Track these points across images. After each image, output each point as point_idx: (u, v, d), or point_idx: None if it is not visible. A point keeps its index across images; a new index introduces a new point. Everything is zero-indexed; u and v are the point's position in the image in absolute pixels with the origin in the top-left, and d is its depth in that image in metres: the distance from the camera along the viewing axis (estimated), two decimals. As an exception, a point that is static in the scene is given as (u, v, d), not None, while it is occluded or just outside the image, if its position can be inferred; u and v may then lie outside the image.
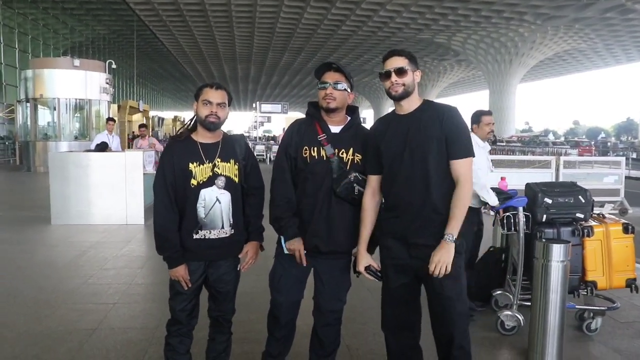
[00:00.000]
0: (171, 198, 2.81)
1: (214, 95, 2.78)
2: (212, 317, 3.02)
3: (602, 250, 4.06)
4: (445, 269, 2.45)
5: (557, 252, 3.53)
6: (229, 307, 3.01)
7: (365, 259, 2.76)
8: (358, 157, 2.78)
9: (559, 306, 3.55)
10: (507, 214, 4.20)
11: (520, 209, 4.15)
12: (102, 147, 10.05)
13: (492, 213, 4.69)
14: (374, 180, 2.74)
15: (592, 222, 4.16)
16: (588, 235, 4.03)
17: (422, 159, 2.49)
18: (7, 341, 3.85)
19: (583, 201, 4.10)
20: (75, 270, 5.85)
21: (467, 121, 4.80)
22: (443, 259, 2.44)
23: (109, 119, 11.83)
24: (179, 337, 2.90)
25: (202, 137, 2.86)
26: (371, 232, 2.77)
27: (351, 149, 2.78)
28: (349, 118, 2.89)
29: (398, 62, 2.60)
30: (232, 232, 2.87)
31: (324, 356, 3.03)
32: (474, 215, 4.50)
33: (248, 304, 4.35)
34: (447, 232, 2.47)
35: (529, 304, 3.83)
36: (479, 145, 4.50)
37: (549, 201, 4.07)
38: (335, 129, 2.81)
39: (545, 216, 4.09)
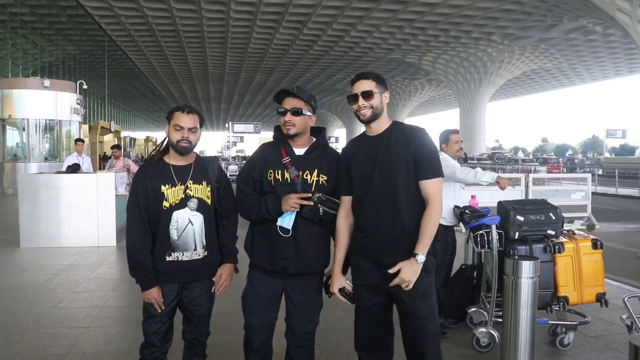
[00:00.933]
0: (144, 220, 2.81)
1: (185, 120, 2.80)
2: (186, 339, 3.01)
3: (572, 266, 4.16)
4: (408, 286, 2.49)
5: (527, 268, 3.60)
6: (204, 329, 3.01)
7: (339, 281, 2.79)
8: (323, 178, 2.80)
9: (530, 322, 3.61)
10: (481, 231, 4.28)
11: (494, 226, 4.23)
12: (74, 169, 9.92)
13: (463, 231, 4.78)
14: (346, 202, 2.78)
15: (562, 239, 4.26)
16: (559, 252, 4.13)
17: (390, 179, 2.54)
18: (-25, 369, 3.76)
19: (554, 218, 4.21)
20: (46, 294, 5.74)
21: (437, 141, 4.94)
22: (408, 278, 2.48)
23: (78, 140, 11.68)
24: (152, 360, 2.88)
25: (174, 159, 2.88)
26: (344, 253, 2.80)
27: (315, 170, 2.80)
28: (314, 139, 2.92)
29: (365, 85, 2.66)
30: (206, 254, 2.88)
31: None
32: (448, 234, 4.58)
33: (223, 325, 4.33)
34: (416, 251, 2.51)
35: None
36: (447, 158, 4.68)
37: (521, 219, 4.17)
38: (299, 151, 2.84)
39: (517, 233, 4.17)
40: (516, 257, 3.78)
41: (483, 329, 4.18)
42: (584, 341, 4.41)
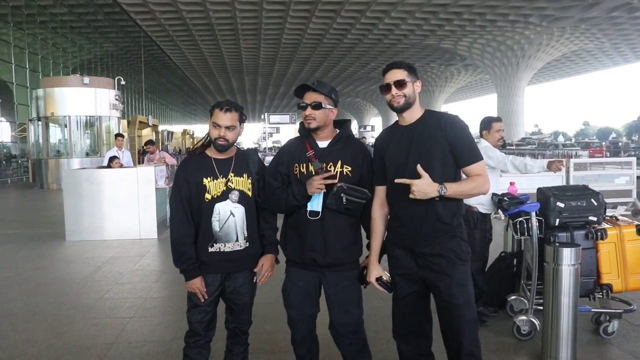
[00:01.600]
0: (187, 212, 2.88)
1: (223, 119, 2.84)
2: (229, 328, 3.07)
3: (616, 252, 4.06)
4: (412, 193, 2.49)
5: (568, 255, 3.56)
6: (246, 318, 3.06)
7: (376, 270, 2.80)
8: (347, 168, 2.80)
9: (571, 310, 3.57)
10: (520, 218, 4.21)
11: (533, 213, 4.17)
12: (110, 160, 10.19)
13: (503, 217, 4.72)
14: (381, 191, 2.79)
15: (605, 225, 4.17)
16: (602, 238, 4.04)
17: (426, 168, 2.51)
18: (28, 357, 3.92)
19: (595, 204, 4.12)
20: (92, 285, 5.94)
21: (475, 127, 4.88)
22: (420, 188, 2.48)
23: (118, 135, 11.97)
24: (196, 348, 2.95)
25: (215, 153, 2.93)
26: (381, 243, 2.81)
27: (339, 161, 2.80)
28: (337, 131, 2.93)
29: (397, 74, 2.65)
30: (247, 245, 2.93)
31: None
32: (485, 221, 4.54)
33: (264, 315, 4.40)
34: (446, 184, 2.50)
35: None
36: (491, 147, 4.63)
37: (562, 205, 4.09)
38: (323, 144, 2.86)
39: (558, 220, 4.10)
40: (557, 244, 3.73)
41: (524, 317, 4.13)
42: (630, 329, 4.31)
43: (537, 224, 4.16)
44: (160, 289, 5.82)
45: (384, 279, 2.79)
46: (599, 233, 4.04)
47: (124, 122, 25.71)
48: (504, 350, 3.94)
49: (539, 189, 4.38)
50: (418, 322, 2.77)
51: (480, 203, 4.42)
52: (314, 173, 2.77)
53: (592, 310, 4.21)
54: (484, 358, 2.70)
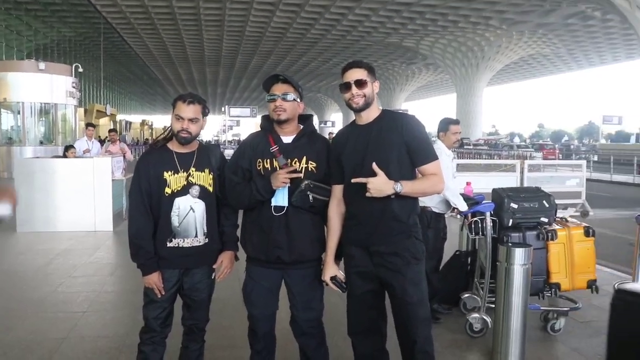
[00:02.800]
0: (146, 205, 2.84)
1: (186, 111, 2.80)
2: (185, 325, 3.04)
3: (565, 253, 4.22)
4: (369, 192, 2.51)
5: (520, 255, 3.67)
6: (203, 315, 3.04)
7: (331, 269, 2.81)
8: (312, 164, 2.79)
9: (522, 308, 3.69)
10: (475, 218, 4.33)
11: (488, 213, 4.28)
12: (65, 149, 9.99)
13: (459, 217, 4.83)
14: (338, 190, 2.79)
15: (555, 226, 4.32)
16: (552, 239, 4.19)
17: (382, 167, 2.54)
18: (-25, 352, 3.81)
19: (547, 206, 4.27)
20: (44, 278, 5.79)
21: (435, 126, 4.95)
22: (375, 185, 2.50)
23: (89, 125, 11.62)
24: (152, 345, 2.91)
25: (177, 146, 2.89)
26: (337, 242, 2.83)
27: (304, 157, 2.78)
28: (301, 127, 2.91)
29: (357, 74, 2.67)
30: (206, 241, 2.90)
31: None
32: (439, 221, 4.63)
33: (221, 310, 4.38)
34: (401, 182, 2.53)
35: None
36: (445, 153, 4.61)
37: (515, 206, 4.22)
38: (287, 139, 2.82)
39: (511, 221, 4.23)
40: (509, 244, 3.84)
41: (476, 315, 4.24)
42: (575, 327, 4.48)
43: (492, 224, 4.27)
44: (115, 283, 5.72)
45: (339, 277, 2.81)
46: (550, 234, 4.19)
47: (81, 110, 25.07)
48: (457, 347, 4.05)
49: (494, 190, 4.50)
50: (373, 320, 2.81)
51: (434, 203, 4.50)
52: (278, 169, 2.73)
53: (541, 308, 4.36)
54: (437, 354, 2.77)
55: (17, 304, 4.89)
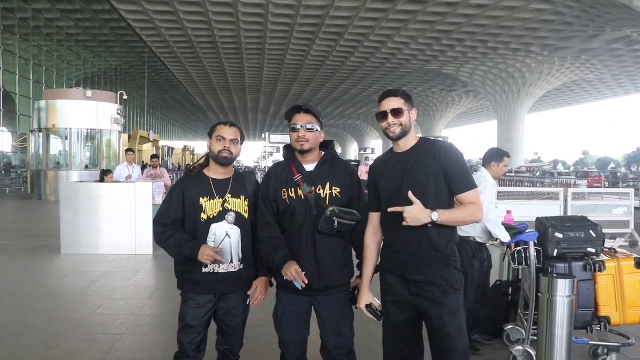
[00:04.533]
0: (169, 219, 2.90)
1: (228, 132, 2.89)
2: (220, 350, 3.05)
3: (614, 285, 4.04)
4: (405, 221, 2.47)
5: (563, 287, 3.54)
6: (238, 340, 3.04)
7: (367, 297, 2.78)
8: (336, 190, 2.82)
9: (565, 341, 3.54)
10: (518, 248, 4.20)
11: (531, 243, 4.15)
12: (103, 173, 10.25)
13: (500, 246, 4.71)
14: (375, 218, 2.79)
15: (603, 257, 4.15)
16: (600, 270, 4.02)
17: (419, 196, 2.51)
18: (16, 372, 3.88)
19: (594, 236, 4.11)
20: (85, 300, 5.89)
21: (474, 153, 4.87)
22: (412, 214, 2.46)
23: (129, 150, 11.92)
24: (186, 369, 2.92)
25: (214, 173, 2.95)
26: (374, 270, 2.80)
27: (328, 183, 2.82)
28: (322, 154, 2.94)
29: (394, 102, 2.66)
30: (241, 267, 2.92)
31: None
32: (482, 251, 4.52)
33: (256, 336, 4.36)
34: (438, 211, 2.49)
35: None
36: (490, 183, 4.54)
37: (560, 236, 4.08)
38: (309, 167, 2.87)
39: (556, 251, 4.09)
40: (553, 275, 3.71)
41: (520, 347, 4.08)
42: None
43: (535, 253, 4.14)
44: (153, 306, 5.77)
45: (374, 306, 2.77)
46: (597, 265, 4.03)
47: (125, 136, 25.79)
48: (498, 381, 3.90)
49: (537, 219, 4.38)
50: (409, 349, 2.74)
51: (478, 233, 4.41)
52: (303, 197, 2.78)
53: (590, 342, 4.18)
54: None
55: (57, 324, 4.98)
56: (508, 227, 4.40)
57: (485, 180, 4.50)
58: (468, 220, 2.68)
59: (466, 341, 2.65)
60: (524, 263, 4.18)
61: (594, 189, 20.69)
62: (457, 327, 2.58)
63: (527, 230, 4.29)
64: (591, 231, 4.12)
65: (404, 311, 2.67)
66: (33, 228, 12.30)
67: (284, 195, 2.84)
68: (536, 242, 4.18)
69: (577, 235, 4.10)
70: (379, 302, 2.78)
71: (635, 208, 11.33)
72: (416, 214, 2.47)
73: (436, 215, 2.48)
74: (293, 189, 2.83)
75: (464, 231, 4.41)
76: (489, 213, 4.29)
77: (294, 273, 2.66)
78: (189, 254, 2.79)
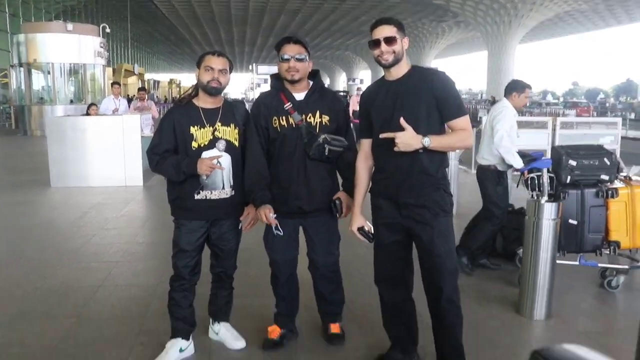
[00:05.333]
0: (159, 153, 2.90)
1: (216, 62, 2.87)
2: (214, 273, 3.14)
3: (626, 211, 4.13)
4: (397, 146, 2.49)
5: (549, 210, 3.62)
6: (231, 263, 3.13)
7: (359, 220, 2.85)
8: (326, 118, 2.92)
9: (549, 263, 3.66)
10: (532, 175, 4.24)
11: (545, 170, 4.14)
12: (88, 107, 10.16)
13: (515, 174, 4.76)
14: (366, 145, 2.83)
15: (617, 184, 4.22)
16: (612, 197, 4.10)
17: (411, 123, 2.52)
18: (16, 299, 3.97)
19: (608, 163, 4.18)
20: (77, 230, 5.95)
21: (464, 84, 4.85)
22: (404, 139, 2.48)
23: (114, 83, 11.71)
24: (182, 292, 3.01)
25: (203, 102, 2.95)
26: (364, 195, 2.86)
27: (317, 112, 2.91)
28: (311, 83, 3.00)
29: (386, 30, 2.63)
30: (233, 194, 2.96)
31: (330, 311, 3.25)
32: (504, 178, 4.60)
33: (248, 260, 4.44)
34: (430, 136, 2.51)
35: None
36: (509, 113, 4.60)
37: (574, 163, 4.15)
38: (299, 96, 2.94)
39: (569, 178, 4.16)
40: (535, 197, 3.78)
41: None
42: (636, 285, 4.44)
43: (549, 180, 4.14)
44: (146, 235, 5.86)
45: (366, 228, 2.84)
46: (610, 192, 4.10)
47: (109, 69, 25.23)
48: (483, 298, 4.05)
49: (553, 147, 4.43)
50: (399, 270, 2.82)
51: (498, 161, 4.53)
52: (294, 125, 2.87)
53: (599, 265, 4.30)
54: (463, 305, 2.77)
55: (52, 254, 5.05)
56: (523, 155, 4.45)
57: (505, 109, 4.60)
58: (458, 145, 2.73)
59: (455, 261, 2.74)
60: (537, 189, 4.21)
61: (582, 118, 20.74)
62: (447, 248, 2.66)
63: (541, 158, 4.30)
64: (605, 159, 4.19)
65: (395, 233, 2.73)
66: (20, 163, 12.23)
67: (275, 123, 2.91)
68: (550, 169, 4.20)
69: (591, 162, 4.16)
70: (370, 225, 2.85)
71: (622, 137, 11.43)
72: (408, 139, 2.49)
73: (427, 141, 2.50)
74: (284, 117, 2.90)
75: (485, 159, 4.60)
76: (502, 141, 4.42)
77: (263, 217, 2.84)
78: (187, 169, 2.81)
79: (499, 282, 4.42)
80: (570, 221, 4.13)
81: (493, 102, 40.91)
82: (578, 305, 4.01)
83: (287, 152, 2.90)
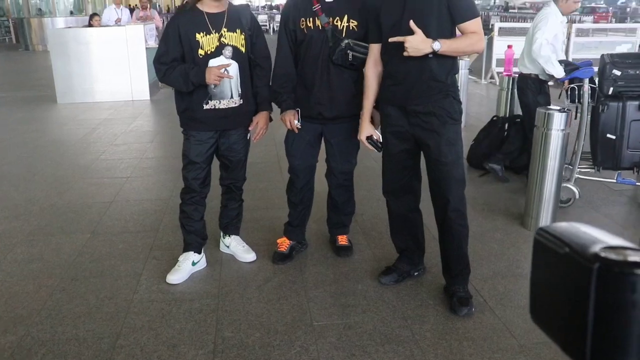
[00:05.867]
0: (166, 62, 2.83)
1: None
2: (224, 185, 3.16)
3: None
4: (406, 51, 2.43)
5: (558, 120, 3.57)
6: (240, 174, 3.14)
7: (367, 129, 2.83)
8: (354, 23, 2.82)
9: (556, 174, 3.64)
10: (572, 85, 4.10)
11: (586, 80, 4.01)
12: (90, 17, 9.91)
13: (550, 83, 4.57)
14: (375, 49, 2.73)
15: None
16: None
17: (421, 25, 2.43)
18: (33, 214, 4.07)
19: None
20: (87, 147, 5.99)
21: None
22: (414, 43, 2.42)
23: None
24: (193, 204, 3.05)
25: (207, 7, 2.83)
26: (374, 101, 2.82)
27: (345, 16, 2.82)
28: None
29: None
30: (241, 102, 2.92)
31: (339, 222, 3.32)
32: (545, 87, 4.47)
33: (257, 174, 4.51)
34: (440, 40, 2.44)
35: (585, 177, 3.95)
36: (559, 19, 4.36)
37: (618, 73, 3.88)
38: None
39: (612, 89, 3.90)
40: (547, 108, 3.70)
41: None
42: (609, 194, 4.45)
43: (590, 91, 4.01)
44: (155, 149, 5.90)
45: (374, 137, 2.83)
46: None
47: (109, -22, 24.32)
48: (489, 210, 4.10)
49: (601, 56, 4.08)
50: (407, 179, 2.84)
51: (540, 70, 4.34)
52: (320, 28, 2.82)
53: (637, 183, 4.15)
54: (469, 216, 2.81)
55: (64, 171, 5.12)
56: (567, 64, 4.27)
57: (547, 16, 4.33)
58: (469, 50, 2.64)
59: (462, 170, 2.74)
60: (577, 100, 4.08)
61: (599, 24, 19.99)
62: (454, 156, 2.65)
63: (584, 67, 4.12)
64: None
65: (403, 141, 2.72)
66: (25, 79, 12.07)
67: (302, 24, 2.87)
68: (594, 79, 4.02)
69: (637, 72, 3.87)
70: (379, 134, 2.84)
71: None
72: (417, 43, 2.42)
73: (437, 45, 2.42)
74: (311, 19, 2.84)
75: (527, 68, 4.41)
76: (541, 49, 4.20)
77: (288, 123, 2.92)
78: (195, 79, 2.76)
79: (505, 194, 4.45)
80: (609, 135, 3.92)
81: (506, 8, 39.34)
82: (582, 220, 4.05)
83: (313, 54, 2.87)
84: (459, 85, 3.51)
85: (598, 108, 3.92)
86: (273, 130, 3.11)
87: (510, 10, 36.75)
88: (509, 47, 5.29)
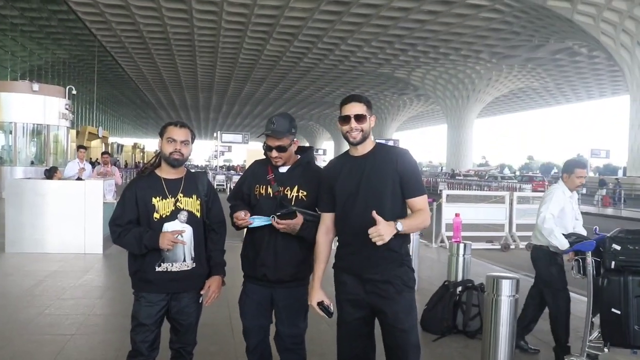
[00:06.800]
0: (121, 225, 2.91)
1: (178, 134, 2.93)
2: (173, 348, 3.06)
3: None
4: (377, 241, 2.49)
5: (507, 287, 3.71)
6: (191, 339, 3.07)
7: (318, 295, 2.85)
8: (303, 193, 3.00)
9: (509, 340, 3.71)
10: (577, 257, 4.17)
11: (589, 253, 4.06)
12: (50, 170, 9.99)
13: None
14: (327, 218, 2.88)
15: None
16: None
17: (376, 199, 2.63)
18: (-39, 374, 3.77)
19: None
20: (31, 300, 5.74)
21: (425, 157, 5.02)
22: (382, 232, 2.49)
23: (80, 147, 11.58)
24: (140, 368, 2.93)
25: (165, 173, 2.99)
26: (324, 268, 2.89)
27: (296, 186, 3.01)
28: (299, 157, 3.13)
29: (357, 108, 2.75)
30: (194, 266, 2.96)
31: None
32: (557, 257, 4.53)
33: (209, 335, 4.39)
34: (400, 221, 2.57)
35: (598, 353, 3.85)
36: (564, 194, 4.59)
37: (618, 247, 3.85)
38: (283, 168, 3.06)
39: (613, 263, 3.85)
40: (495, 275, 3.86)
41: (573, 357, 4.08)
42: None
43: (594, 264, 4.04)
44: (104, 306, 5.69)
45: (325, 303, 2.85)
46: None
47: (73, 132, 25.04)
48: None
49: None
50: (362, 347, 2.83)
51: (550, 243, 4.45)
52: (271, 195, 2.99)
53: None
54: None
55: (3, 325, 4.84)
56: (578, 236, 4.37)
57: (553, 192, 4.61)
58: (422, 226, 2.81)
59: (417, 336, 2.77)
60: (582, 272, 4.12)
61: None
62: (411, 323, 2.71)
63: (585, 241, 4.18)
64: None
65: (359, 309, 2.76)
66: (-26, 226, 11.79)
67: (256, 191, 3.05)
68: (599, 252, 4.03)
69: (637, 248, 3.82)
70: (329, 300, 2.86)
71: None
72: (384, 232, 2.51)
73: (400, 226, 2.57)
74: (264, 186, 3.04)
75: (538, 239, 4.56)
76: (544, 223, 4.40)
77: (240, 220, 2.92)
78: (149, 243, 2.81)
79: (459, 359, 4.44)
80: (614, 310, 3.78)
81: (453, 175, 42.03)
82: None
83: None
84: (410, 249, 3.67)
85: (597, 281, 3.92)
86: (226, 291, 3.11)
87: (456, 177, 39.21)
88: (457, 215, 5.58)
